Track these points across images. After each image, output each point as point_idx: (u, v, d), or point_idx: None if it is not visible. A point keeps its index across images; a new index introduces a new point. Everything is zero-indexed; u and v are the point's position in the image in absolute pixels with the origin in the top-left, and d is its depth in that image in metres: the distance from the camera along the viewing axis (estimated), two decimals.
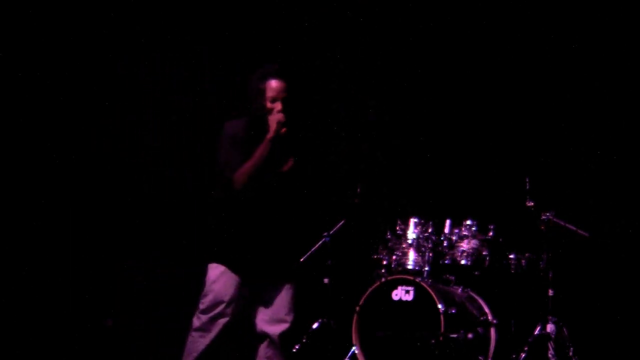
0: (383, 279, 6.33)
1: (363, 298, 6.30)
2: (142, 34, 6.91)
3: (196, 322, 4.90)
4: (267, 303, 4.93)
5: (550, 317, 6.20)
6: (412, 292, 6.20)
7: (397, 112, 7.48)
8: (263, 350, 4.97)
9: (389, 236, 6.72)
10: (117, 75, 6.88)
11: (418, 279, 6.23)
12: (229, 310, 4.84)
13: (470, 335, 6.17)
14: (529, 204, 6.38)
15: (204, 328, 4.86)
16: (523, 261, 6.57)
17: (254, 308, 4.95)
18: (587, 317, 6.63)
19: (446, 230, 6.68)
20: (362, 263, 6.83)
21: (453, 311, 6.09)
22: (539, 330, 6.19)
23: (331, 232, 6.65)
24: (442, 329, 6.00)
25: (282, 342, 4.94)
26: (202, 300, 4.89)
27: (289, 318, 4.94)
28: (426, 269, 6.44)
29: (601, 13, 6.86)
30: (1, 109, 6.52)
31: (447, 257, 6.56)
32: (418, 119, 7.44)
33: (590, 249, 6.60)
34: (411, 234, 6.60)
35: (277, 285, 4.93)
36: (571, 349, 6.14)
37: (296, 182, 4.92)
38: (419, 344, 6.04)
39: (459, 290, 6.47)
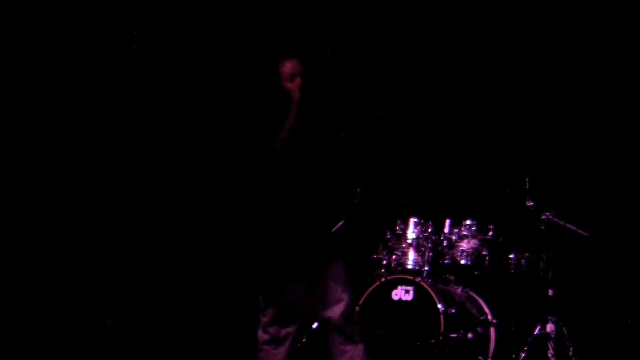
0: (383, 279, 6.33)
1: (363, 298, 6.30)
2: (142, 32, 6.91)
3: (264, 335, 4.77)
4: (322, 290, 4.76)
5: (550, 317, 6.19)
6: (412, 292, 6.20)
7: (397, 111, 7.48)
8: (333, 340, 4.78)
9: (389, 236, 6.72)
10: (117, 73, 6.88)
11: (418, 279, 6.23)
12: (297, 315, 4.72)
13: (470, 335, 6.17)
14: (529, 204, 6.38)
15: (275, 340, 4.74)
16: (523, 261, 6.57)
17: (312, 301, 4.79)
18: (587, 317, 6.63)
19: (446, 230, 6.68)
20: (362, 263, 6.83)
21: (453, 311, 6.09)
22: (539, 330, 6.18)
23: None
24: (442, 329, 6.00)
25: (347, 321, 4.76)
26: (266, 312, 4.77)
27: (346, 296, 4.76)
28: (426, 269, 6.45)
29: (601, 13, 6.85)
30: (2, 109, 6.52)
31: (447, 257, 6.57)
32: (418, 119, 7.44)
33: (590, 249, 6.60)
34: (411, 234, 6.61)
35: (327, 267, 4.77)
36: (571, 349, 6.13)
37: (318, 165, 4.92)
38: (419, 344, 6.04)
39: (459, 290, 6.47)
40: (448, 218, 6.72)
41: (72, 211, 6.71)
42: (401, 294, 6.22)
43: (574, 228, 6.31)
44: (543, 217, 6.35)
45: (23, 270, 6.49)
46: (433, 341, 5.99)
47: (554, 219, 6.34)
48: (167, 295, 6.88)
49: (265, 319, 4.79)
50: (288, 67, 4.89)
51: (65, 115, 6.73)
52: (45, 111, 6.66)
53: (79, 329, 6.59)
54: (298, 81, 4.85)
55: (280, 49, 5.03)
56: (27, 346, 6.32)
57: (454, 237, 6.64)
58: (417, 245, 6.55)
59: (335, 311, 4.74)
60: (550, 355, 6.08)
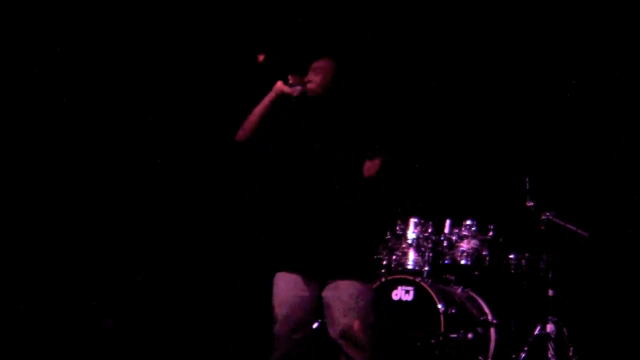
0: (383, 279, 6.33)
1: None
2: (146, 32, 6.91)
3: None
4: (338, 298, 4.57)
5: (550, 317, 6.20)
6: (412, 292, 6.20)
7: (397, 111, 7.48)
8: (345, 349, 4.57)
9: (389, 236, 6.72)
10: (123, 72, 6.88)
11: (418, 279, 6.23)
12: (295, 313, 4.59)
13: (470, 335, 6.17)
14: (529, 204, 6.38)
15: (277, 335, 4.62)
16: (523, 261, 6.57)
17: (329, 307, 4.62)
18: (587, 317, 6.63)
19: (446, 230, 6.68)
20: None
21: (453, 311, 6.09)
22: (539, 330, 6.19)
23: None
24: (442, 329, 6.00)
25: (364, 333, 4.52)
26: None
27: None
28: (426, 269, 6.45)
29: (600, 13, 6.85)
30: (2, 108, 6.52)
31: (447, 257, 6.57)
32: (418, 119, 7.44)
33: (590, 249, 6.60)
34: (411, 234, 6.61)
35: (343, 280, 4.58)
36: (571, 349, 6.13)
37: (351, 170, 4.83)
38: (419, 344, 6.04)
39: (459, 290, 6.47)
40: (448, 218, 6.72)
41: (72, 211, 6.71)
42: (401, 294, 6.22)
43: (574, 228, 6.32)
44: (543, 217, 6.35)
45: (23, 271, 6.49)
46: (433, 341, 5.99)
47: (554, 219, 6.34)
48: (167, 295, 6.88)
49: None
50: (318, 63, 4.86)
51: (65, 115, 6.73)
52: (47, 111, 6.66)
53: (79, 329, 6.59)
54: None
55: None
56: (27, 346, 6.32)
57: (454, 237, 6.65)
58: (417, 245, 6.55)
59: (348, 320, 4.54)
60: (550, 355, 6.08)
